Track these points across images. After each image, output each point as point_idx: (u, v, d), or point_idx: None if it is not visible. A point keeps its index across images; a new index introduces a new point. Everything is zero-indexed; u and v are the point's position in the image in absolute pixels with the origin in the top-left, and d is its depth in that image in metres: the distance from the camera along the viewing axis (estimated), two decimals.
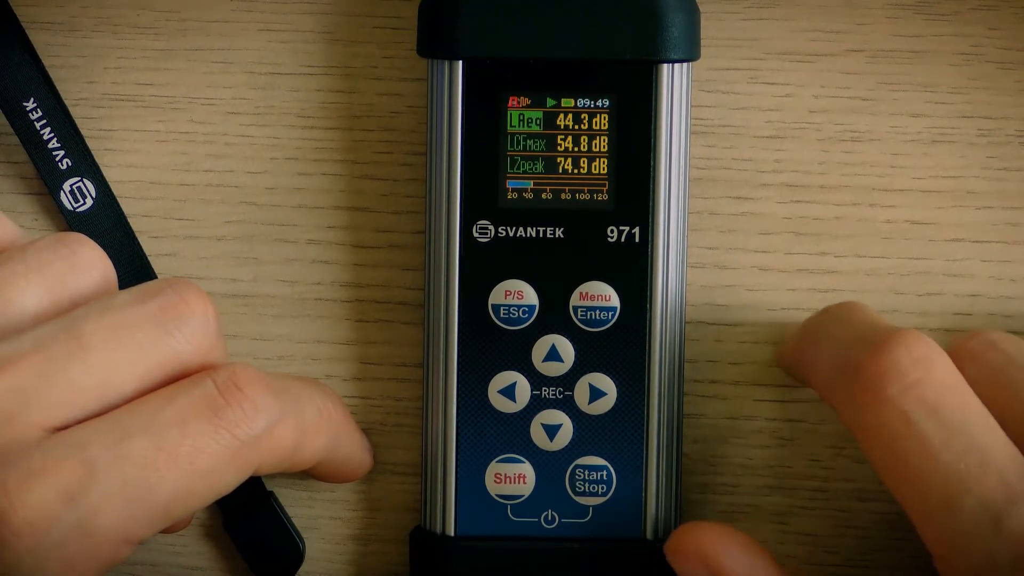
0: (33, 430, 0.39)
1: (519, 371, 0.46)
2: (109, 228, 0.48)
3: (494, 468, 0.46)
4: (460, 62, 0.45)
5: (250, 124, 0.49)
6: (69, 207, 0.48)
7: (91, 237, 0.44)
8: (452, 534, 0.47)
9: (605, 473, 0.46)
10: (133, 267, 0.48)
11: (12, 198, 0.49)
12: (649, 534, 0.46)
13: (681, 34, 0.45)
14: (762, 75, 0.48)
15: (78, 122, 0.48)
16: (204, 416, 0.40)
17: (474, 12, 0.45)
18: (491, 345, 0.46)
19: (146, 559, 0.49)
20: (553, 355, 0.46)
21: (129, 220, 0.49)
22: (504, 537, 0.46)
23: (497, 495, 0.46)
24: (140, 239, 0.49)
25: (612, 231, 0.46)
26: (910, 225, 0.48)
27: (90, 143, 0.48)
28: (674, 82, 0.45)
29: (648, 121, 0.45)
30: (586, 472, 0.46)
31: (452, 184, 0.46)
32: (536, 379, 0.46)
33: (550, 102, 0.45)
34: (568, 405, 0.46)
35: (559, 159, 0.46)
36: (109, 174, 0.49)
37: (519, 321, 0.46)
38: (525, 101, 0.45)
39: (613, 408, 0.46)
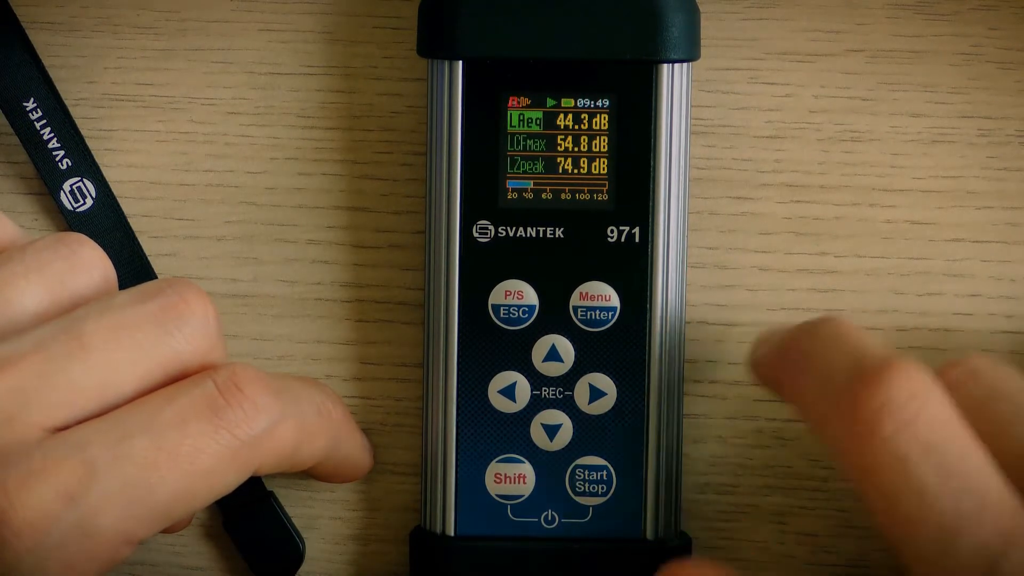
0: (33, 430, 0.39)
1: (519, 371, 0.46)
2: (109, 228, 0.48)
3: (494, 468, 0.46)
4: (460, 62, 0.45)
5: (250, 124, 0.49)
6: (69, 207, 0.48)
7: (91, 237, 0.44)
8: (452, 534, 0.47)
9: (605, 473, 0.46)
10: (133, 267, 0.48)
11: (12, 198, 0.49)
12: (649, 534, 0.46)
13: (681, 34, 0.45)
14: (762, 75, 0.48)
15: (78, 122, 0.48)
16: (204, 416, 0.40)
17: (474, 12, 0.45)
18: (491, 345, 0.46)
19: (146, 559, 0.49)
20: (553, 355, 0.46)
21: (129, 220, 0.49)
22: (504, 537, 0.46)
23: (497, 495, 0.46)
24: (140, 239, 0.49)
25: (612, 231, 0.46)
26: (910, 225, 0.48)
27: (90, 143, 0.48)
28: (674, 82, 0.45)
29: (648, 121, 0.45)
30: (586, 472, 0.46)
31: (452, 184, 0.46)
32: (536, 379, 0.46)
33: (550, 102, 0.45)
34: (568, 405, 0.46)
35: (559, 159, 0.46)
36: (109, 174, 0.49)
37: (519, 321, 0.46)
38: (525, 101, 0.45)
39: (613, 408, 0.46)
